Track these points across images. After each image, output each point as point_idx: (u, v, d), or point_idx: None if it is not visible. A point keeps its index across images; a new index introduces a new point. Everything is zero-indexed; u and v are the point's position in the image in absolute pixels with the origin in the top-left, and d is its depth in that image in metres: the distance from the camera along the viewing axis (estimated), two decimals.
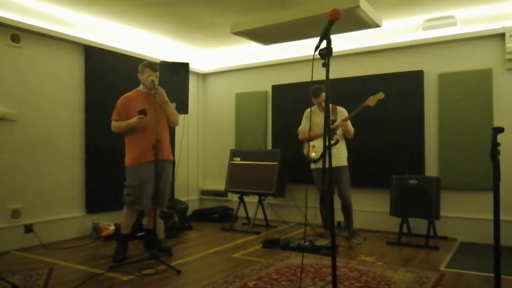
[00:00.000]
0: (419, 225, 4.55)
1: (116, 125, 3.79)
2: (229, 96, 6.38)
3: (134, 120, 3.66)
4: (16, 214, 4.16)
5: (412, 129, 4.80)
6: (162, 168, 3.71)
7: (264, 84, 6.02)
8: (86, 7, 4.45)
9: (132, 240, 4.08)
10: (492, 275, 1.98)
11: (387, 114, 4.90)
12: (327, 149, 2.07)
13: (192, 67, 5.97)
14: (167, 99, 3.85)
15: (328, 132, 2.05)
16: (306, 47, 5.41)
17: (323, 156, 4.39)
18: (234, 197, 5.72)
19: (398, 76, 4.92)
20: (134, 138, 3.75)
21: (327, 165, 2.04)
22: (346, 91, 5.06)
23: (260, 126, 6.05)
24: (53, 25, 4.48)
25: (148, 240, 3.90)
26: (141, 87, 3.90)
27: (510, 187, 4.12)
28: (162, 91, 3.80)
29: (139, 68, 3.87)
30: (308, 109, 4.55)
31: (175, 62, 5.29)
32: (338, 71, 5.13)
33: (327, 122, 2.08)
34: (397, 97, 4.84)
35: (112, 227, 4.68)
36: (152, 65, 3.87)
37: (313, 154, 4.43)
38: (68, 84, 4.69)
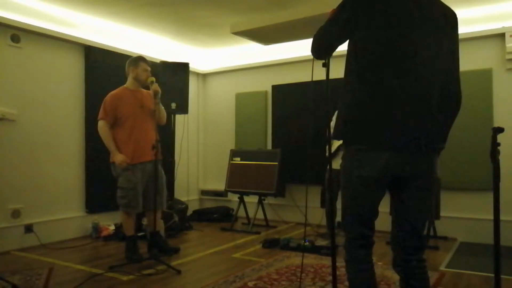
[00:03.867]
0: None
1: (103, 129, 3.59)
2: (229, 96, 6.38)
3: (118, 155, 3.55)
4: (16, 214, 4.16)
5: None
6: (155, 168, 3.57)
7: (264, 84, 6.02)
8: (86, 7, 4.45)
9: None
10: (492, 275, 1.98)
11: None
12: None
13: (192, 67, 5.97)
14: (158, 95, 3.68)
15: (329, 134, 2.06)
16: (306, 47, 5.39)
17: (336, 151, 4.36)
18: (234, 197, 5.71)
19: None
20: (124, 137, 3.64)
21: (331, 166, 2.05)
22: None
23: (260, 126, 6.05)
24: (53, 25, 4.48)
25: (152, 242, 3.78)
26: (128, 85, 3.76)
27: (510, 187, 4.11)
28: (157, 87, 3.69)
29: (131, 62, 3.73)
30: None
31: (175, 62, 5.29)
32: (338, 71, 5.12)
33: (327, 124, 2.08)
34: None
35: (112, 227, 4.68)
36: (145, 59, 3.78)
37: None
38: (68, 84, 4.69)
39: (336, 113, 4.75)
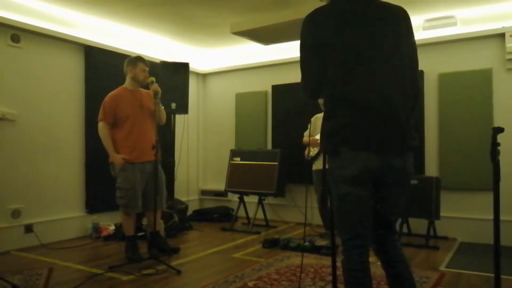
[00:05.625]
0: (419, 225, 4.55)
1: (102, 130, 3.60)
2: (229, 96, 6.38)
3: (115, 156, 3.56)
4: (16, 214, 4.16)
5: None
6: (155, 168, 3.56)
7: (264, 84, 6.02)
8: (86, 7, 4.45)
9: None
10: (492, 275, 1.98)
11: None
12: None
13: (192, 67, 5.97)
14: (158, 95, 3.67)
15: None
16: None
17: (317, 155, 4.40)
18: (234, 197, 5.72)
19: None
20: (123, 137, 3.63)
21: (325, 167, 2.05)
22: None
23: (260, 126, 6.05)
24: (53, 25, 4.48)
25: (152, 242, 3.78)
26: (127, 85, 3.75)
27: (510, 187, 4.11)
28: (157, 87, 3.68)
29: (129, 62, 3.72)
30: (315, 116, 4.31)
31: (175, 62, 5.29)
32: None
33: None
34: None
35: (112, 227, 4.68)
36: (143, 59, 3.76)
37: (311, 152, 4.39)
38: (68, 84, 4.69)
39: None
